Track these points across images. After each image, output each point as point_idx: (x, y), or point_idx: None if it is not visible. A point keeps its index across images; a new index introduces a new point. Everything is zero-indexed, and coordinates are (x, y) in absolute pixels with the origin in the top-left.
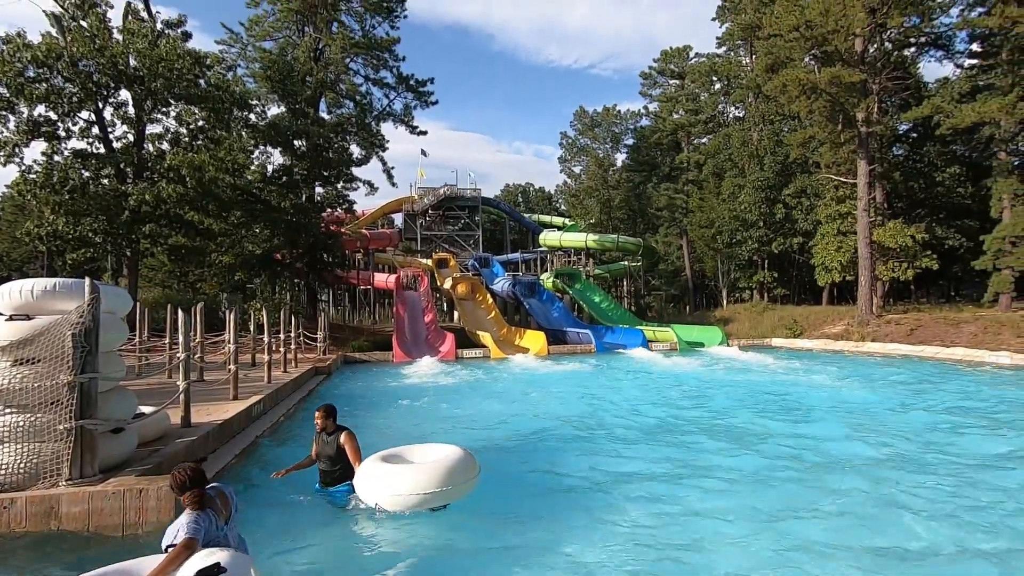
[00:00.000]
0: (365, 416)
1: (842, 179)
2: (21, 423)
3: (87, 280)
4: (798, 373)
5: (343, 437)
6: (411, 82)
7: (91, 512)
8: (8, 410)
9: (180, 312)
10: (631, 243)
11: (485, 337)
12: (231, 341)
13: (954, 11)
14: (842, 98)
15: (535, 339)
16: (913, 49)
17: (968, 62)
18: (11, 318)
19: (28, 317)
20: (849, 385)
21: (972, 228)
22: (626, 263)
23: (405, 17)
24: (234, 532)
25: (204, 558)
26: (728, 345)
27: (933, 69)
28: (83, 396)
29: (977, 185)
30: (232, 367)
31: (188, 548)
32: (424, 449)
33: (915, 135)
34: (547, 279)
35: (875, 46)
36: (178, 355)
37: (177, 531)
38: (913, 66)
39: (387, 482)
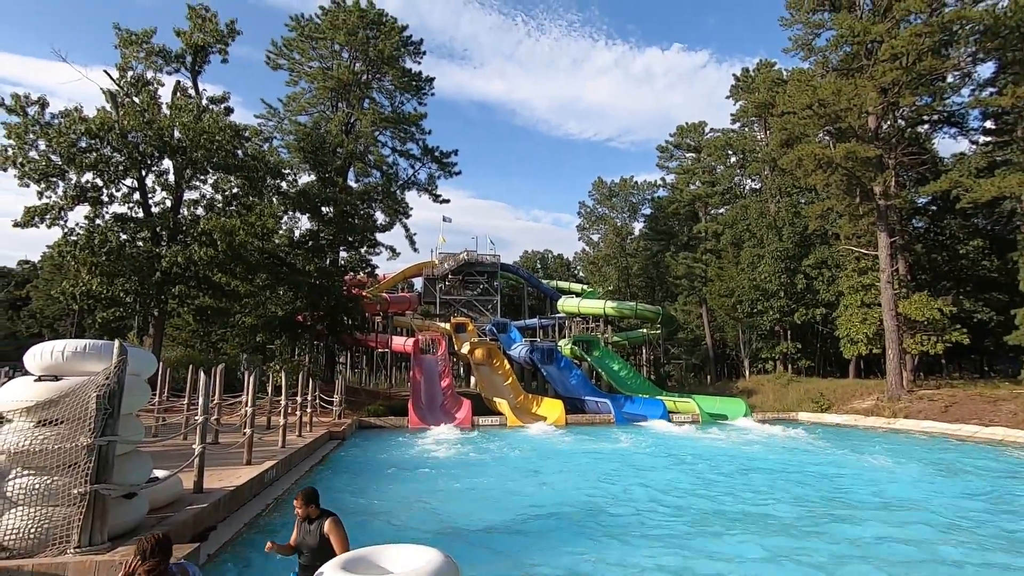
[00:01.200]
0: (374, 488)
1: (863, 251)
2: (37, 486)
3: (116, 343)
4: (839, 454)
5: (327, 525)
6: (436, 154)
7: None
8: (25, 472)
9: (201, 374)
10: (650, 311)
11: (502, 404)
12: (248, 404)
13: (965, 91)
14: (858, 172)
15: (552, 407)
16: (927, 126)
17: (983, 139)
18: (40, 379)
19: (56, 378)
20: (903, 469)
21: (1001, 301)
22: (645, 331)
23: (432, 95)
24: None
25: None
26: (753, 418)
27: (949, 145)
28: (100, 459)
29: (1003, 258)
30: (248, 431)
31: None
32: (396, 553)
33: (935, 208)
34: (565, 346)
35: (888, 123)
36: (195, 417)
37: None
38: (928, 142)
39: None
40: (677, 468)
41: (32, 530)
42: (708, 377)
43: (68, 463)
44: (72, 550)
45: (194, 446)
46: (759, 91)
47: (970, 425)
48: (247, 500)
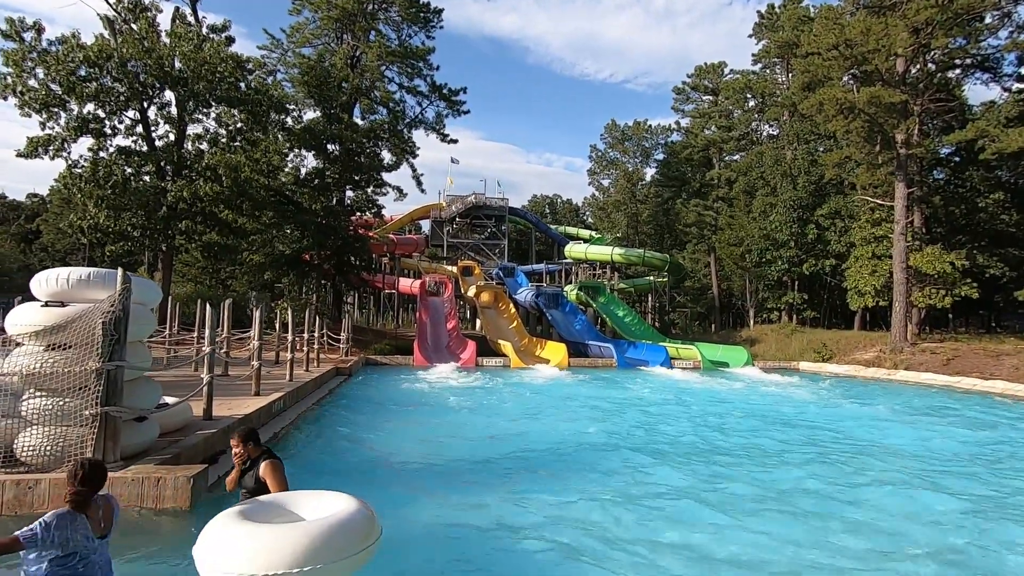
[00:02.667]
0: (377, 418)
1: (879, 201)
2: (50, 407)
3: (120, 271)
4: (826, 398)
5: (263, 468)
6: (444, 91)
7: None
8: (39, 394)
9: (208, 307)
10: (657, 258)
11: (506, 346)
12: (255, 338)
13: (1003, 33)
14: (881, 119)
15: (556, 351)
16: (958, 71)
17: (1016, 86)
18: (47, 304)
19: (62, 304)
20: (887, 415)
21: (1016, 257)
22: (652, 278)
23: (441, 28)
24: (105, 553)
25: None
26: (753, 366)
27: (979, 92)
28: (109, 383)
29: (1023, 212)
30: (255, 363)
31: (5, 548)
32: (309, 499)
33: (957, 159)
34: (571, 291)
35: (917, 67)
36: (204, 349)
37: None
38: (958, 88)
39: (236, 554)
40: (673, 406)
41: (48, 448)
42: (713, 326)
43: (78, 386)
44: None
45: (202, 375)
46: (784, 29)
47: (970, 378)
48: (256, 428)
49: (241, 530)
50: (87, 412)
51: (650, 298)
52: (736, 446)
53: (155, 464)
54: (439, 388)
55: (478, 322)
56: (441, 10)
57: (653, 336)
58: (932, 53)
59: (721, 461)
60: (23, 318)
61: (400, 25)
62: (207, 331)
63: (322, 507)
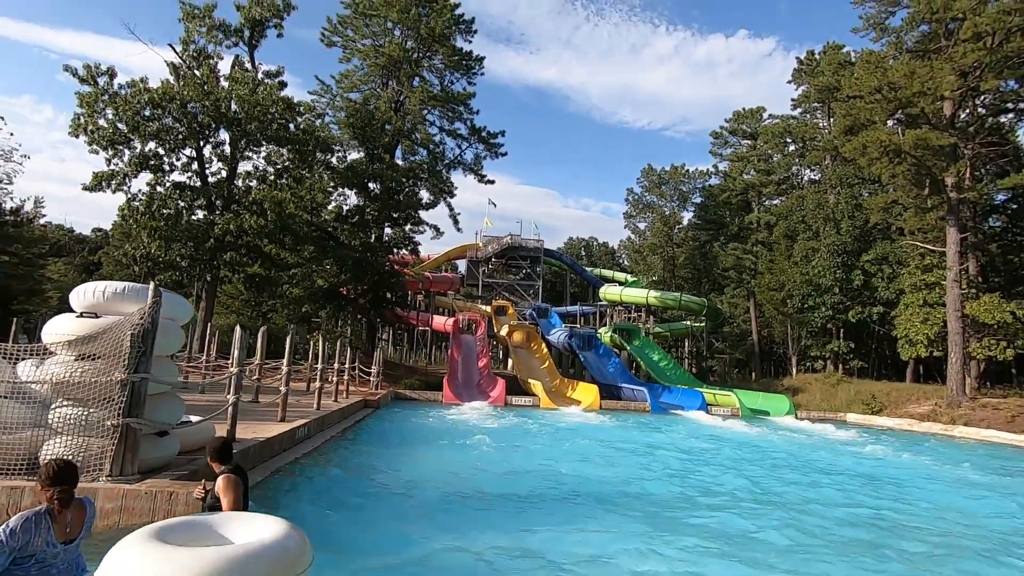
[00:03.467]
0: (399, 451)
1: (929, 247)
2: (75, 416)
3: (152, 284)
4: (887, 454)
5: (219, 482)
6: (483, 134)
7: (123, 509)
8: (66, 403)
9: (238, 328)
10: (694, 302)
11: (536, 386)
12: (285, 364)
13: None
14: (929, 162)
15: (587, 392)
16: (1011, 115)
17: None
18: (81, 315)
19: (96, 315)
20: (960, 475)
21: None
22: (688, 323)
23: (482, 74)
24: (73, 555)
25: None
26: (796, 417)
27: None
28: (133, 395)
29: None
30: (283, 389)
31: None
32: (236, 522)
33: (1015, 206)
34: (605, 333)
35: (966, 111)
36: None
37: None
38: (1011, 133)
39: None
40: (697, 453)
41: (70, 457)
42: (753, 374)
43: (104, 397)
44: (104, 478)
45: (228, 397)
46: (824, 74)
47: None
48: (277, 452)
49: (151, 553)
50: (109, 423)
51: (687, 343)
52: (792, 501)
53: (170, 479)
54: (466, 425)
55: (510, 362)
56: (482, 58)
57: (689, 382)
58: (982, 97)
59: (773, 519)
60: (58, 328)
61: (443, 72)
62: (234, 351)
63: (251, 531)
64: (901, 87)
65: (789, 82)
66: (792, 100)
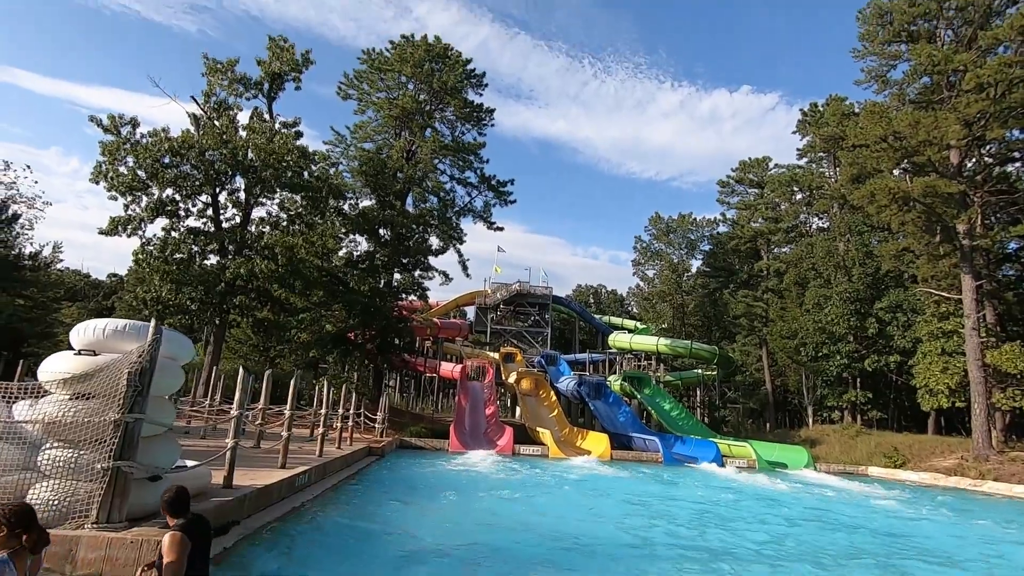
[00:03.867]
0: (401, 501)
1: (944, 295)
2: (65, 459)
3: (152, 322)
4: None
5: (165, 540)
6: (493, 182)
7: (106, 559)
8: (57, 444)
9: (242, 369)
10: (705, 350)
11: (545, 435)
12: (288, 408)
13: None
14: (939, 209)
15: (598, 441)
16: (1018, 164)
17: None
18: (79, 352)
19: (94, 353)
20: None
21: None
22: (700, 371)
23: (492, 126)
24: None
25: None
26: (815, 469)
27: None
28: (126, 436)
29: None
30: (284, 434)
31: None
32: None
33: None
34: (615, 381)
35: (973, 160)
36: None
37: None
38: (1019, 182)
39: None
40: (719, 507)
41: (55, 502)
42: (767, 424)
43: (96, 438)
44: (89, 525)
45: (227, 441)
46: (828, 124)
47: None
48: (275, 501)
49: None
50: (99, 465)
51: (698, 392)
52: (827, 563)
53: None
54: (472, 475)
55: (518, 410)
56: (493, 110)
57: (702, 432)
58: (987, 146)
59: None
60: (54, 366)
61: (454, 123)
62: (236, 393)
63: None
64: (906, 136)
65: (794, 132)
66: (798, 150)
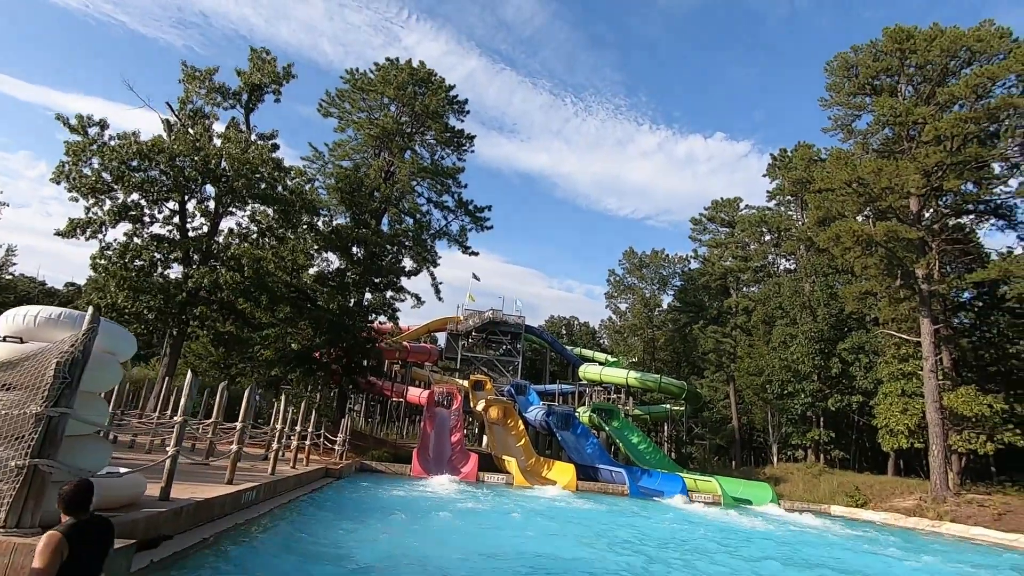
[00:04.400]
0: (353, 524)
1: (904, 336)
2: None
3: (90, 310)
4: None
5: (41, 540)
6: (470, 207)
7: (10, 567)
8: None
9: (190, 373)
10: (674, 385)
11: (511, 463)
12: (241, 419)
13: (1013, 182)
14: (900, 253)
15: (564, 471)
16: (972, 216)
17: None
18: (4, 339)
19: (21, 340)
20: None
21: None
22: (668, 406)
23: (472, 151)
24: None
25: None
26: (779, 506)
27: (997, 237)
28: (48, 432)
29: None
30: (234, 447)
31: None
32: None
33: (980, 304)
34: (583, 413)
35: (931, 210)
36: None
37: None
38: (973, 234)
39: None
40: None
41: None
42: (733, 462)
43: (14, 435)
44: None
45: (168, 449)
46: (796, 169)
47: None
48: (216, 516)
49: None
50: (13, 463)
51: (666, 427)
52: None
53: None
54: (431, 500)
55: (484, 439)
56: (473, 136)
57: (669, 467)
58: (944, 198)
59: None
60: None
61: (434, 147)
62: (183, 400)
63: None
64: (869, 183)
65: (764, 176)
66: (767, 192)
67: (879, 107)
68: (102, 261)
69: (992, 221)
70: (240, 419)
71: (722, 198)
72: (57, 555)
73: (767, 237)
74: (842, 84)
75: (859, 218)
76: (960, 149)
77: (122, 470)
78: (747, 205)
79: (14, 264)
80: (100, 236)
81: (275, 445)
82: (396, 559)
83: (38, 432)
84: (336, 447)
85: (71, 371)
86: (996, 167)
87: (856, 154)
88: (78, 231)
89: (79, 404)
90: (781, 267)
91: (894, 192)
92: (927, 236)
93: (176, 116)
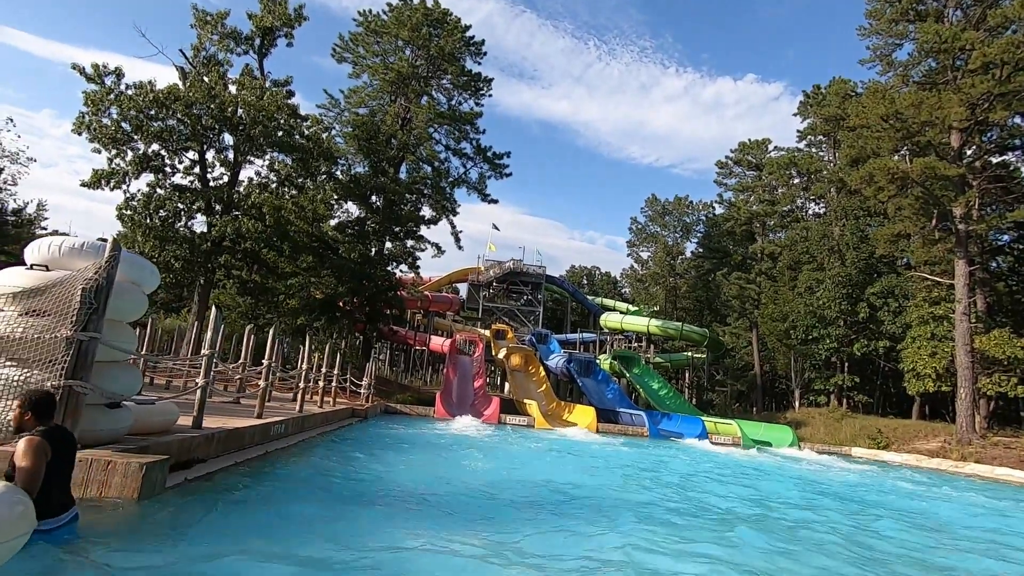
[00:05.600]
0: (377, 455)
1: (937, 279)
2: (17, 377)
3: (110, 239)
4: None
5: (20, 444)
6: (488, 154)
7: None
8: (7, 364)
9: (215, 308)
10: (696, 332)
11: (532, 406)
12: (267, 357)
13: None
14: (937, 192)
15: (584, 414)
16: (1018, 151)
17: None
18: (31, 267)
19: (46, 268)
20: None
21: None
22: (689, 354)
23: (490, 95)
24: None
25: None
26: (800, 448)
27: None
28: (79, 355)
29: None
30: (263, 383)
31: None
32: None
33: (1021, 247)
34: (604, 361)
35: (973, 147)
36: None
37: None
38: (1018, 171)
39: None
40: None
41: (4, 420)
42: (754, 407)
43: (48, 358)
44: None
45: (198, 381)
46: (830, 105)
47: None
48: (246, 446)
49: None
50: (49, 384)
51: (687, 374)
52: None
53: (112, 451)
54: (453, 435)
55: (507, 386)
56: (491, 79)
57: (690, 412)
58: (989, 133)
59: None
60: (3, 279)
61: (451, 92)
62: (208, 334)
63: None
64: (908, 117)
65: (795, 115)
66: (798, 131)
67: (923, 33)
68: (127, 212)
69: None
70: (267, 357)
71: (750, 140)
72: (42, 455)
73: (796, 180)
74: (883, 10)
75: (895, 157)
76: (1010, 78)
77: (154, 397)
78: (776, 147)
79: (46, 219)
80: (124, 187)
81: (302, 384)
82: (417, 482)
83: (70, 355)
84: (362, 391)
85: (96, 297)
86: None
87: (895, 87)
88: (103, 182)
89: (107, 331)
90: (810, 211)
91: (934, 127)
92: (968, 173)
93: (190, 64)
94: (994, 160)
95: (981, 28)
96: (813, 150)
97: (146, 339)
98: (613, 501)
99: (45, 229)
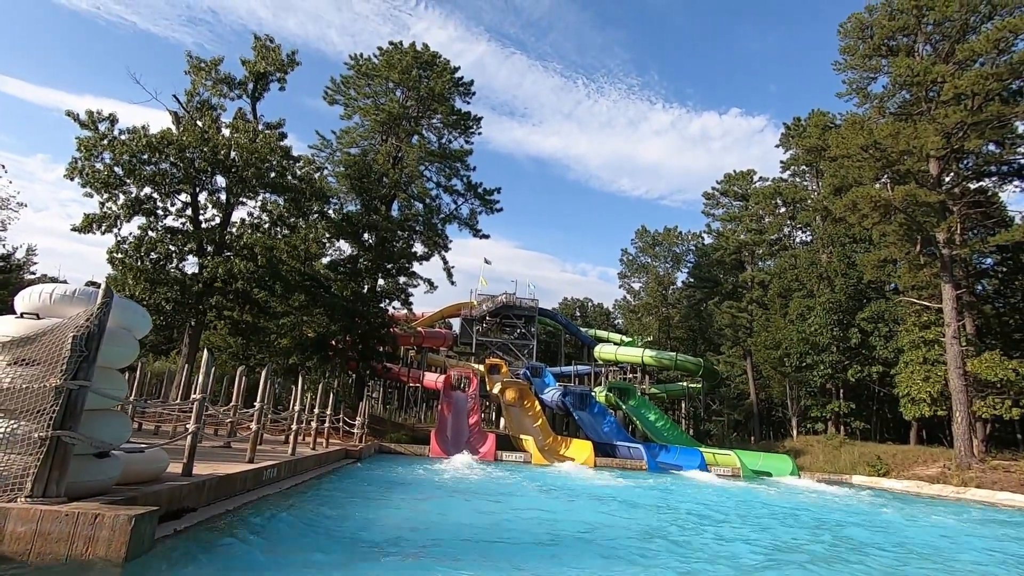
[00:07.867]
0: (372, 498)
1: (925, 303)
2: (3, 429)
3: (103, 285)
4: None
5: None
6: (479, 190)
7: (37, 534)
8: None
9: (206, 352)
10: (690, 362)
11: (528, 442)
12: (259, 400)
13: None
14: (920, 218)
15: (581, 448)
16: (995, 178)
17: None
18: (22, 315)
19: (37, 316)
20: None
21: None
22: (685, 384)
23: (479, 134)
24: None
25: None
26: (799, 477)
27: (1022, 200)
28: (68, 404)
29: None
30: (254, 427)
31: None
32: None
33: (1004, 269)
34: (600, 393)
35: (951, 174)
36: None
37: None
38: (996, 197)
39: None
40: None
41: None
42: (752, 436)
43: (36, 408)
44: (23, 498)
45: (188, 426)
46: (810, 136)
47: None
48: (237, 492)
49: None
50: (37, 435)
51: (684, 405)
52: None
53: (99, 503)
54: (449, 476)
55: (502, 422)
56: (480, 118)
57: (687, 443)
58: (965, 160)
59: None
60: None
61: (441, 130)
62: (199, 378)
63: None
64: (887, 147)
65: (777, 146)
66: (781, 162)
67: (896, 68)
68: (119, 255)
69: (1016, 183)
70: (259, 399)
71: (735, 171)
72: None
73: (782, 209)
74: (856, 46)
75: (876, 185)
76: (981, 108)
77: (143, 445)
78: (760, 177)
79: (35, 263)
80: (115, 230)
81: (294, 426)
82: (411, 526)
83: (59, 405)
84: (355, 430)
85: (87, 344)
86: (1020, 126)
87: (872, 118)
88: (94, 226)
89: (97, 378)
90: (797, 239)
91: (912, 155)
92: (948, 200)
93: (184, 108)
94: (972, 186)
95: (950, 62)
96: (797, 180)
97: (135, 383)
98: (636, 550)
99: (34, 274)
